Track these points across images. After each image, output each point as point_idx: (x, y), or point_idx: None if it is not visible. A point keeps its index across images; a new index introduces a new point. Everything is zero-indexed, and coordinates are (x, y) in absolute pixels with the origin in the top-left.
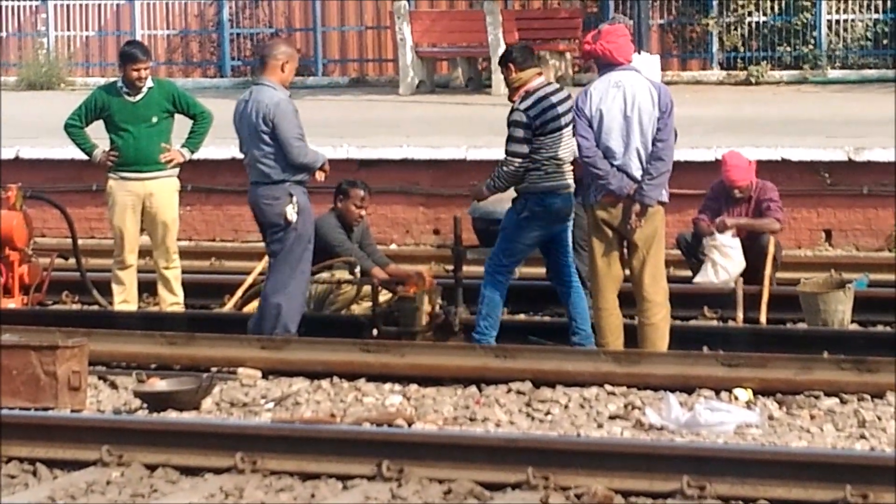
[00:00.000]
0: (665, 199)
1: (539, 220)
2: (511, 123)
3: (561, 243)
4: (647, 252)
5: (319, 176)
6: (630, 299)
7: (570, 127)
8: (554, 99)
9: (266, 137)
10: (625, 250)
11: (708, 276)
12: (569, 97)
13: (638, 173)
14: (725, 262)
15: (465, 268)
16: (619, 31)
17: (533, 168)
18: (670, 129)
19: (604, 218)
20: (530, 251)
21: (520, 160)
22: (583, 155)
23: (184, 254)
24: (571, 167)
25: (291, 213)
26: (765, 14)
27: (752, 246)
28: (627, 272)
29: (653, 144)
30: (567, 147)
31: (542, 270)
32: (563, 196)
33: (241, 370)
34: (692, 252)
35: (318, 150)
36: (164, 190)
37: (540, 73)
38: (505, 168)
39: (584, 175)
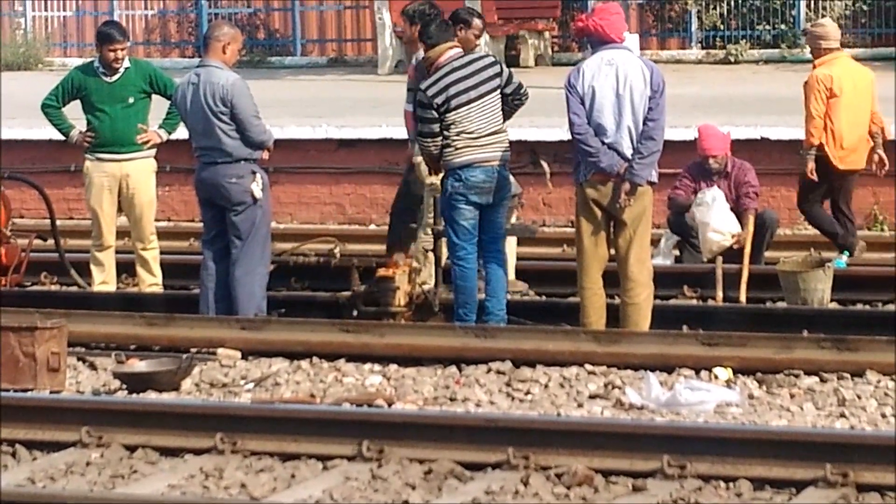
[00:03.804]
0: (655, 178)
1: (463, 195)
2: (417, 104)
3: (491, 222)
4: (635, 232)
5: (265, 155)
6: (613, 279)
7: (491, 95)
8: (463, 72)
9: (224, 118)
10: (611, 229)
11: (710, 242)
12: (492, 64)
13: (628, 152)
14: (719, 215)
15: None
16: (611, 8)
17: (445, 144)
18: (662, 109)
19: (593, 196)
20: (474, 227)
21: (430, 139)
22: (574, 132)
23: (162, 234)
24: (500, 136)
25: (258, 190)
26: None
27: (757, 225)
28: (612, 252)
29: (644, 123)
30: (483, 118)
31: (528, 249)
32: (484, 169)
33: (220, 351)
34: (685, 232)
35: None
36: (140, 171)
37: (454, 46)
38: (421, 148)
39: (575, 152)
